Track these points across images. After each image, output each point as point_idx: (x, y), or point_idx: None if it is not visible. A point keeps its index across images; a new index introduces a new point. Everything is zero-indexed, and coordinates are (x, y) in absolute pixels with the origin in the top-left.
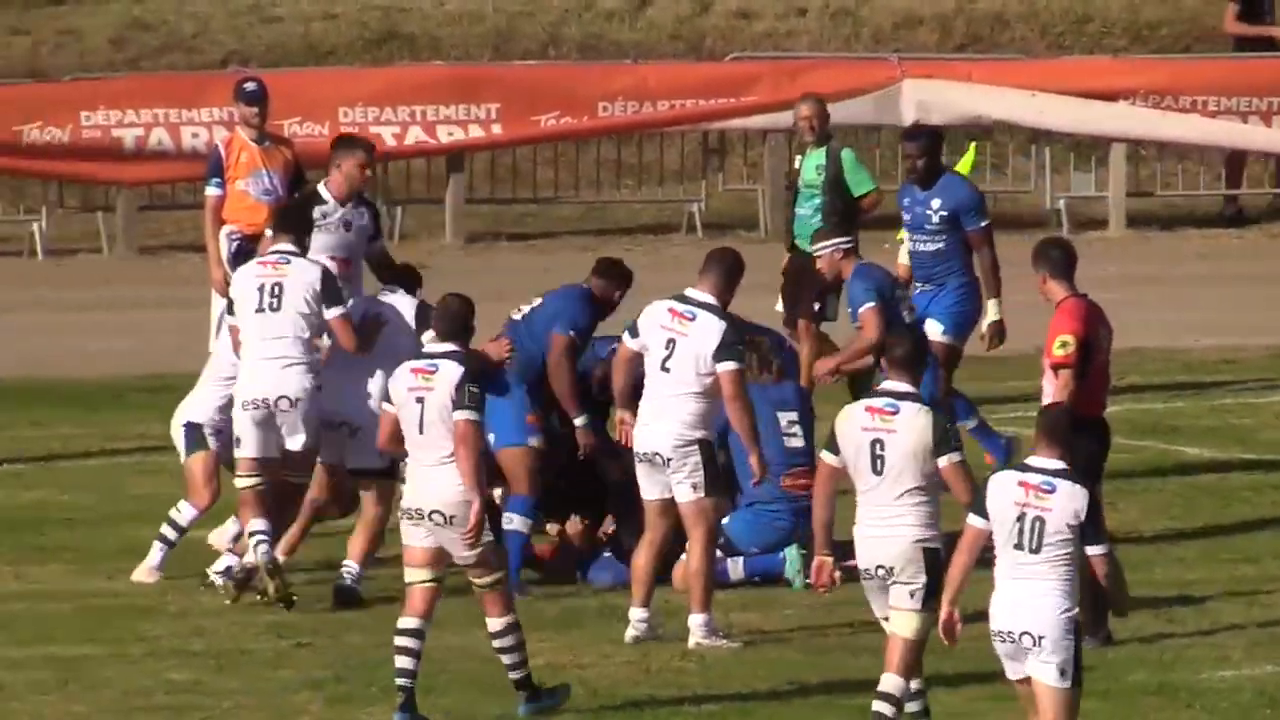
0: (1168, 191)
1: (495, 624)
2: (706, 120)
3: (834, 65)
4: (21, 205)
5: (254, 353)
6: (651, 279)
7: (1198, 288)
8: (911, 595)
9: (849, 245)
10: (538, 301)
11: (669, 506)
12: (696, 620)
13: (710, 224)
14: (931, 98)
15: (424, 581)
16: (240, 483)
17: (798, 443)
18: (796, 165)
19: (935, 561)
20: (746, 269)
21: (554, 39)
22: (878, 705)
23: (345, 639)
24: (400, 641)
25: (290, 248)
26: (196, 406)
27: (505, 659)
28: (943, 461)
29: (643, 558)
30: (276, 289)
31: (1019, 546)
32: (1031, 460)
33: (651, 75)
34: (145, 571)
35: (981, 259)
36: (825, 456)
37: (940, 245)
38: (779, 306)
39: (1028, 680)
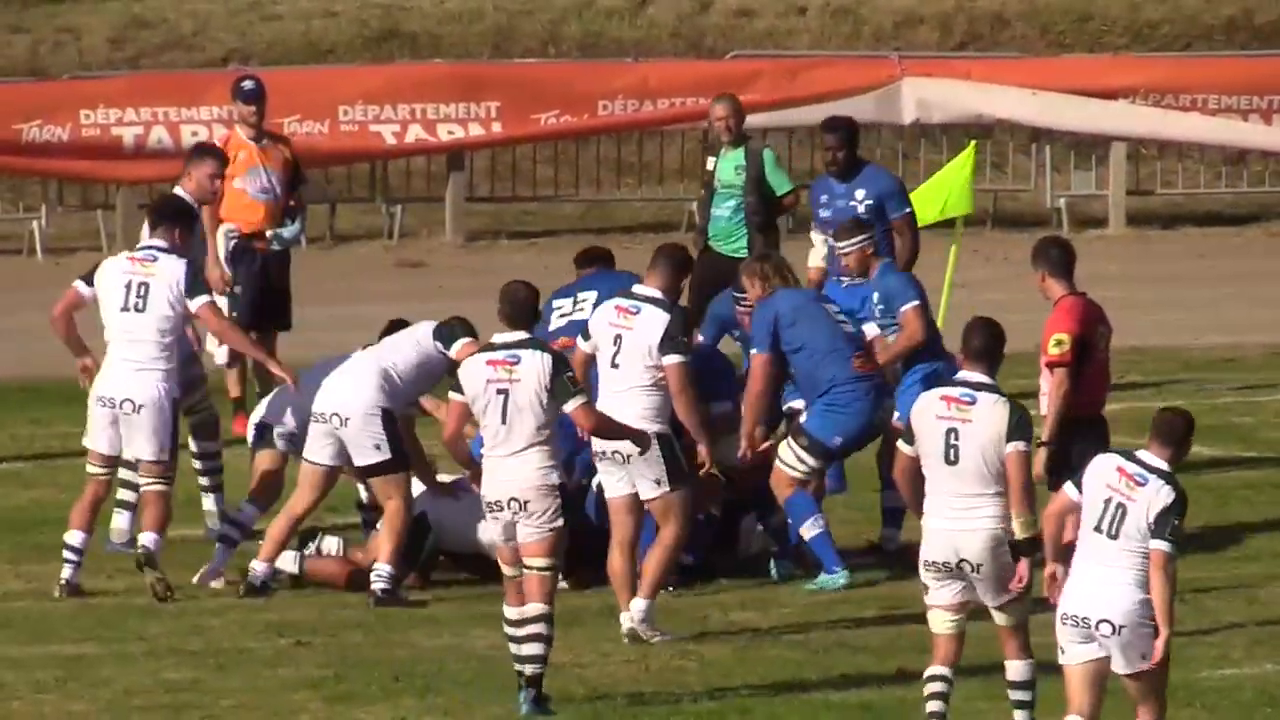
0: (1168, 190)
1: (532, 609)
2: (706, 119)
3: (834, 63)
4: (21, 204)
5: (113, 351)
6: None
7: (1198, 286)
8: (1006, 588)
9: (877, 241)
10: (590, 295)
11: (634, 502)
12: (639, 605)
13: None
14: (931, 96)
15: (516, 575)
16: (143, 484)
17: (849, 328)
18: (710, 166)
19: (1019, 549)
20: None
21: (554, 37)
22: (1015, 694)
23: (344, 637)
24: (510, 630)
25: (161, 243)
26: (270, 407)
27: (524, 648)
28: (1007, 449)
29: (617, 560)
30: (143, 289)
31: (1099, 530)
32: (1140, 453)
33: (652, 73)
34: (208, 575)
35: (904, 244)
36: (902, 447)
37: (859, 218)
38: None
39: (1089, 663)
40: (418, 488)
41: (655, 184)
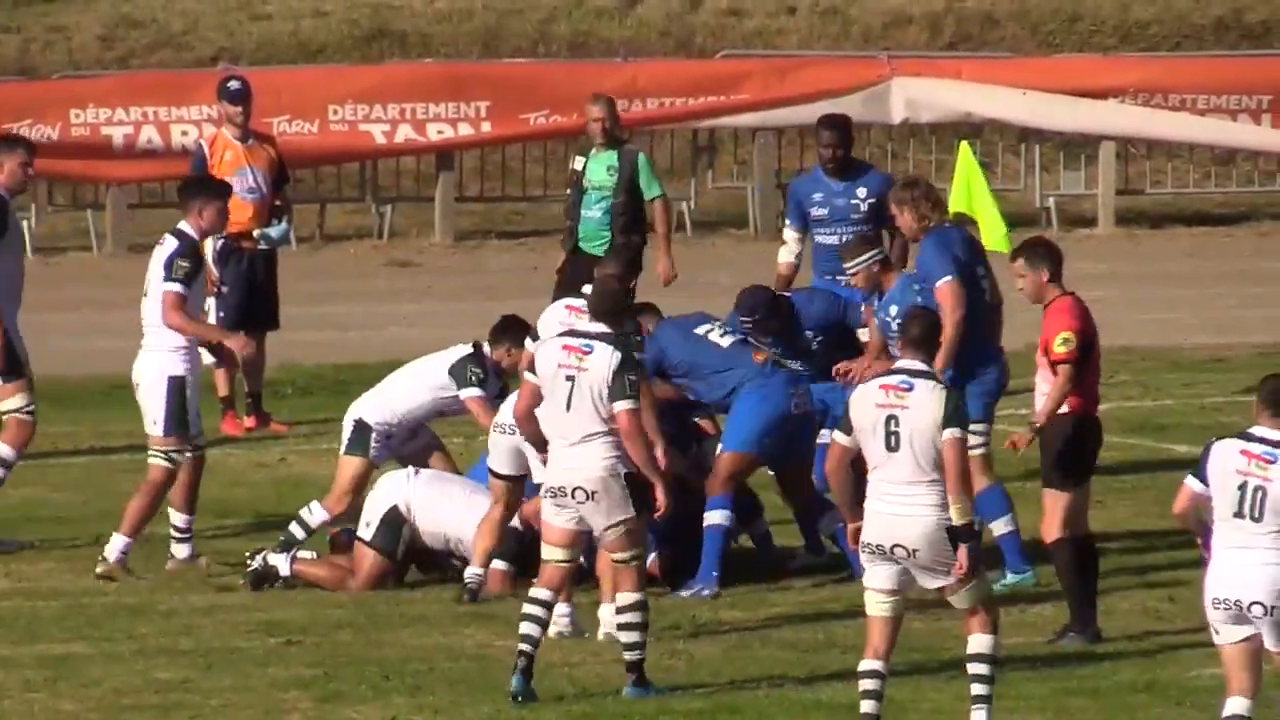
0: (1157, 189)
1: (625, 599)
2: (696, 118)
3: (823, 63)
4: None
5: None
6: (642, 278)
7: (1187, 286)
8: (950, 574)
9: (884, 257)
10: None
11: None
12: (608, 610)
13: (700, 222)
14: (921, 96)
15: (560, 561)
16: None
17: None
18: (579, 166)
19: (957, 535)
20: (737, 266)
21: (543, 36)
22: (974, 668)
23: (335, 637)
24: (528, 609)
25: (181, 226)
26: (371, 404)
27: (624, 636)
28: (944, 435)
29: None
30: (151, 271)
31: (1239, 515)
32: (1254, 430)
33: (641, 73)
34: (280, 561)
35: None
36: (838, 437)
37: (866, 234)
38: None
39: (1245, 641)
40: (392, 480)
41: None
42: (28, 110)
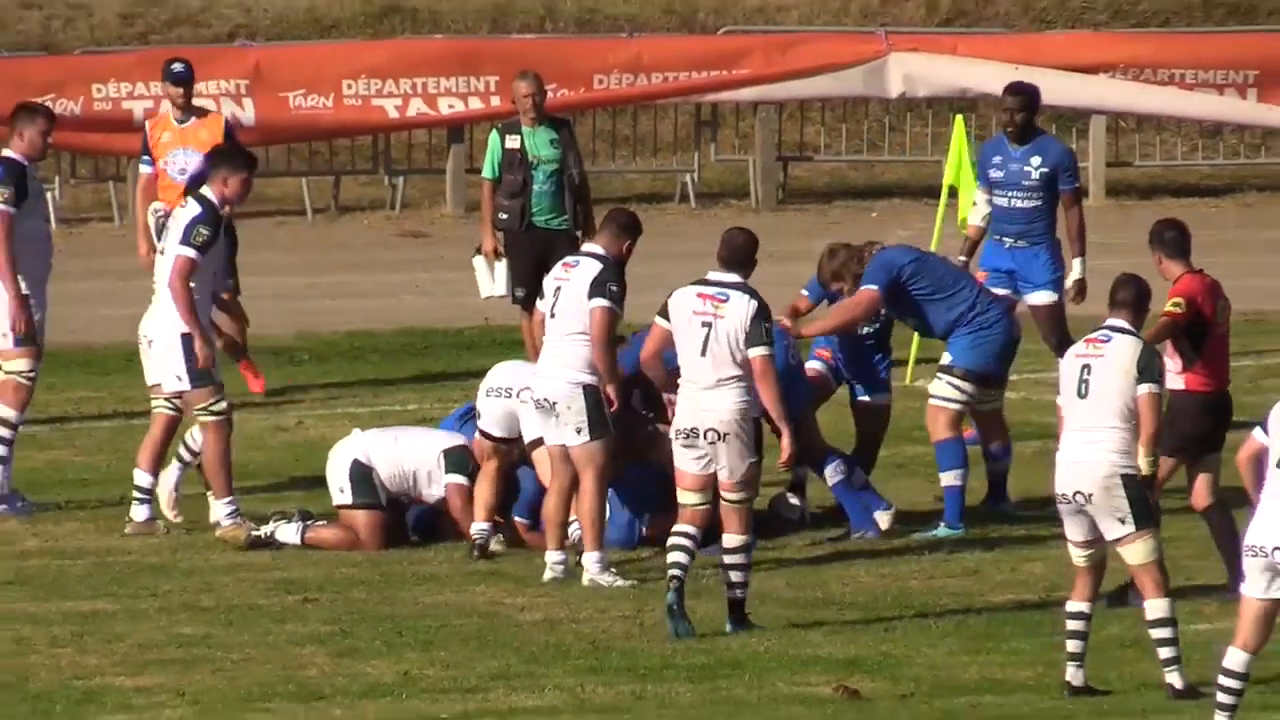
0: (1146, 162)
1: (732, 540)
2: (699, 93)
3: (823, 39)
4: None
5: None
6: (647, 246)
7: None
8: (1122, 522)
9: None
10: None
11: (567, 451)
12: (590, 559)
13: (703, 193)
14: (918, 71)
15: (696, 505)
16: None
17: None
18: (514, 145)
19: (1134, 485)
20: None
21: (550, 13)
22: (1157, 633)
23: (350, 594)
24: (675, 541)
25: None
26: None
27: (732, 575)
28: (1141, 390)
29: (551, 504)
30: None
31: None
32: None
33: (645, 49)
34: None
35: (1071, 218)
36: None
37: (1038, 203)
38: (519, 292)
39: (1266, 600)
40: (342, 445)
41: (649, 156)
42: (51, 85)
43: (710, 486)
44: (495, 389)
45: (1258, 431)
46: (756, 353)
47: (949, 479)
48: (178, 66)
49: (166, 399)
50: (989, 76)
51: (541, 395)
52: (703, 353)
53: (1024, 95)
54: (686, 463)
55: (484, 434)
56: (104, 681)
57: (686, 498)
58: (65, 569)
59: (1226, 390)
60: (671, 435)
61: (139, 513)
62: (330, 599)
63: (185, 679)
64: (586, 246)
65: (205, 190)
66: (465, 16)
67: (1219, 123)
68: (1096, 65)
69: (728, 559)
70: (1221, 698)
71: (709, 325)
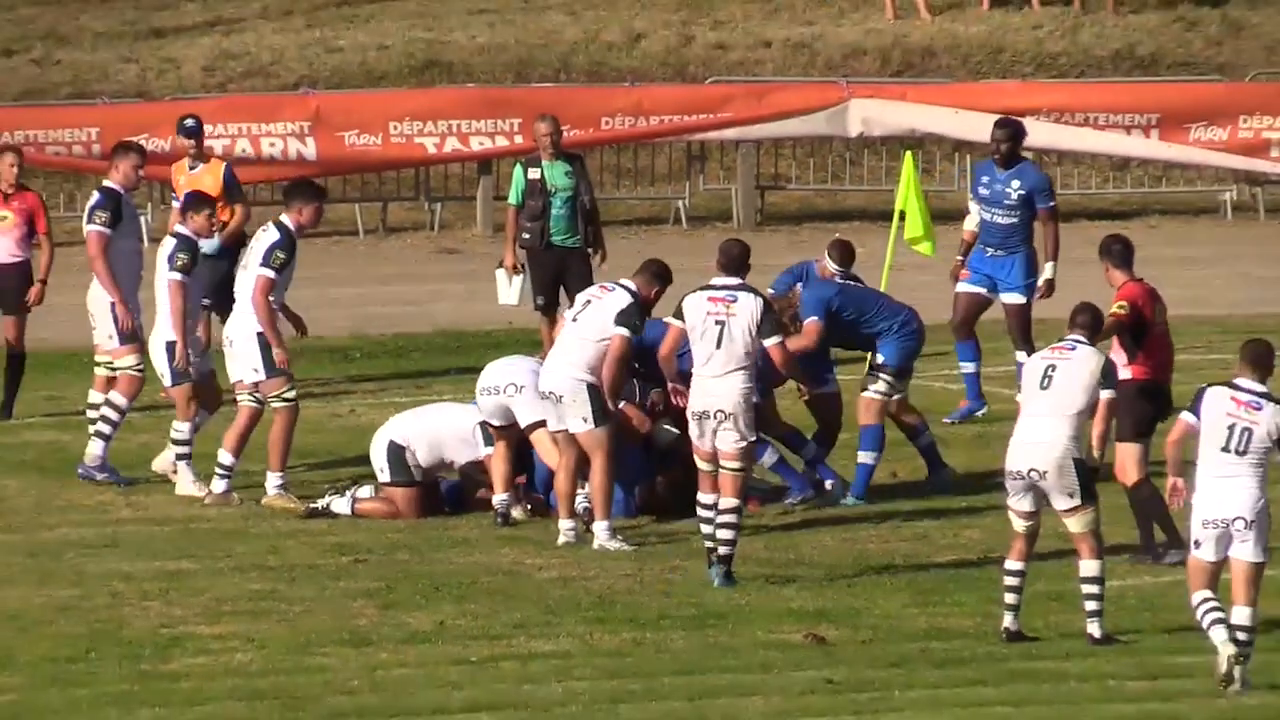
0: (1066, 191)
1: (727, 503)
2: (690, 132)
3: (793, 88)
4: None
5: None
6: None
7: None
8: (1071, 496)
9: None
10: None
11: (572, 436)
12: (599, 527)
13: (693, 217)
14: (874, 114)
15: (710, 471)
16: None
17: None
18: (535, 176)
19: (1082, 467)
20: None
21: (565, 66)
22: (1087, 588)
23: (394, 556)
24: (702, 513)
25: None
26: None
27: (721, 534)
28: (1104, 394)
29: (562, 480)
30: None
31: (1226, 449)
32: (1239, 381)
33: (644, 96)
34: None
35: (1047, 231)
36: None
37: (1015, 220)
38: (539, 300)
39: (1215, 562)
40: (381, 431)
41: (648, 185)
42: (144, 126)
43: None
44: (486, 389)
45: (1186, 415)
46: (772, 341)
47: (865, 457)
48: (189, 121)
49: (249, 393)
50: (933, 119)
51: (548, 389)
52: (718, 345)
53: (1010, 128)
54: (699, 439)
55: (489, 425)
56: (186, 629)
57: (702, 465)
58: (154, 534)
59: (1166, 381)
60: (689, 415)
61: (218, 485)
62: (377, 560)
63: (254, 627)
64: (624, 281)
65: (284, 218)
66: (493, 68)
67: (1126, 158)
68: (1024, 110)
69: (721, 519)
70: (1216, 622)
71: (722, 323)
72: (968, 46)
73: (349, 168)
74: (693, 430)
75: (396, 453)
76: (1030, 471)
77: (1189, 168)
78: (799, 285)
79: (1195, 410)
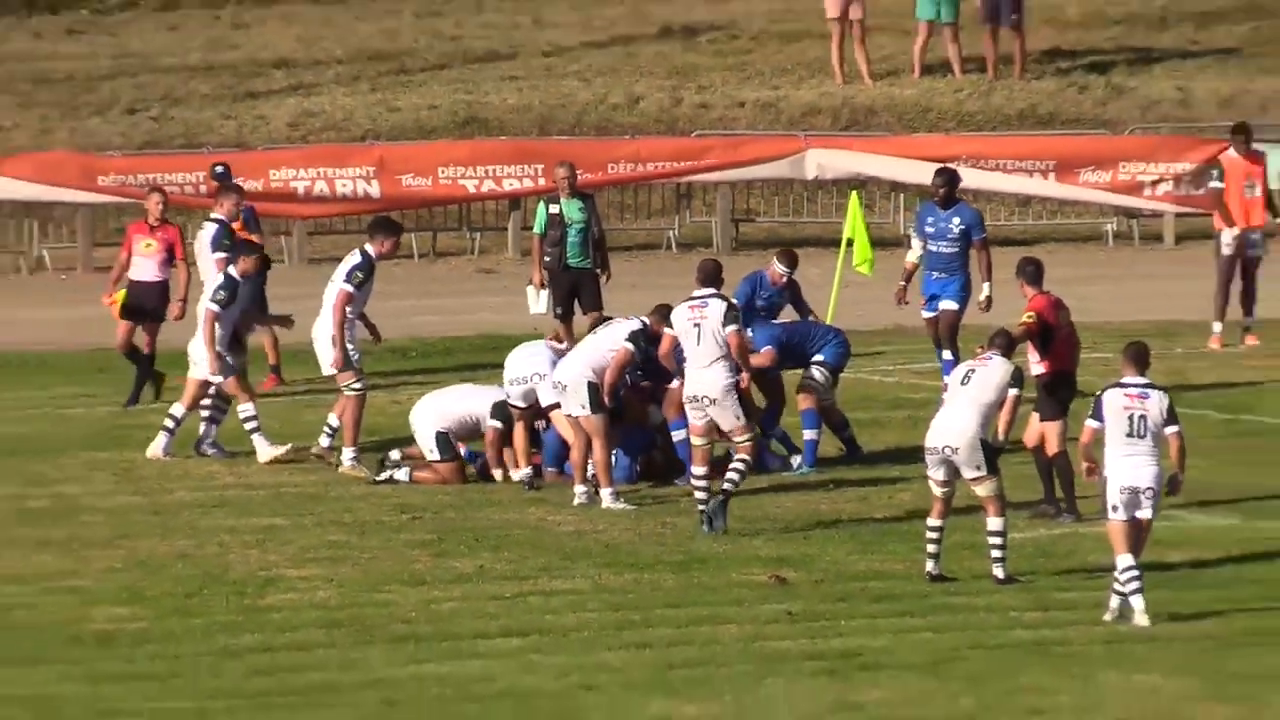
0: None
1: (739, 460)
2: (679, 176)
3: (762, 140)
4: None
5: None
6: (646, 280)
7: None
8: (978, 468)
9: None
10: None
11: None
12: (605, 492)
13: (682, 244)
14: (827, 161)
15: (703, 445)
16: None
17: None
18: (555, 211)
19: (988, 446)
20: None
21: (579, 122)
22: (993, 539)
23: (444, 514)
24: (696, 484)
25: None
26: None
27: (732, 474)
28: (1011, 392)
29: (575, 454)
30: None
31: (1130, 435)
32: (1125, 380)
33: (642, 147)
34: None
35: (982, 258)
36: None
37: (955, 250)
38: (558, 310)
39: (1129, 522)
40: (420, 415)
41: (645, 218)
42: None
43: (709, 433)
44: (514, 379)
45: (1090, 421)
46: (730, 330)
47: (810, 434)
48: (219, 169)
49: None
50: (876, 165)
51: (559, 379)
52: (698, 343)
53: (947, 175)
54: (693, 418)
55: (512, 405)
56: (278, 572)
57: (697, 440)
58: (253, 497)
59: (1073, 370)
60: (685, 399)
61: (346, 455)
62: (430, 517)
63: (333, 571)
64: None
65: (367, 246)
66: (522, 124)
67: (1029, 196)
68: (947, 157)
69: (734, 464)
70: (1118, 588)
71: (698, 325)
72: (903, 106)
73: (405, 204)
74: (688, 411)
75: (443, 438)
76: (945, 448)
77: (1079, 204)
78: (749, 330)
79: (1097, 415)
